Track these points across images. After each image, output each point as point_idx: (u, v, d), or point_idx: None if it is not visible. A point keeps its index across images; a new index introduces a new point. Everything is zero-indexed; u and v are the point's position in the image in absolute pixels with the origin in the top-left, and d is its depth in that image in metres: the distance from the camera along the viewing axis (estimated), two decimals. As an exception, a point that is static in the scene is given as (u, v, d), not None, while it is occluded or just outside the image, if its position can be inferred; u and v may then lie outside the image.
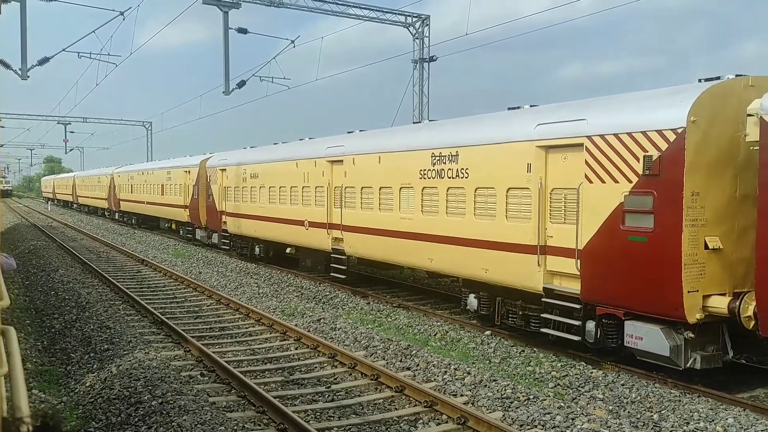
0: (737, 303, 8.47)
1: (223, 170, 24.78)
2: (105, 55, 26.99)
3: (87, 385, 9.19)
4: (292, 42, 25.57)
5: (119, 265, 22.39)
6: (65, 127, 62.63)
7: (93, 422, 7.75)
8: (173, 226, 33.22)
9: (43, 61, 23.44)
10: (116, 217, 45.41)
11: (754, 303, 8.29)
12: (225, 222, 24.62)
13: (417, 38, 29.62)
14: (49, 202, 79.29)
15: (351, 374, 9.74)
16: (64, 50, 25.14)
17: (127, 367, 9.48)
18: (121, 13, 22.83)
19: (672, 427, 7.64)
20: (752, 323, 8.39)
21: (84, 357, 10.77)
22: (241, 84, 25.37)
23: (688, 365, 8.78)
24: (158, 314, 13.40)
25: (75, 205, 63.97)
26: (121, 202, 43.04)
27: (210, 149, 30.78)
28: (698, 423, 7.67)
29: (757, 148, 8.10)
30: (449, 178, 12.64)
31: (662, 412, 8.09)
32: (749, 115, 8.22)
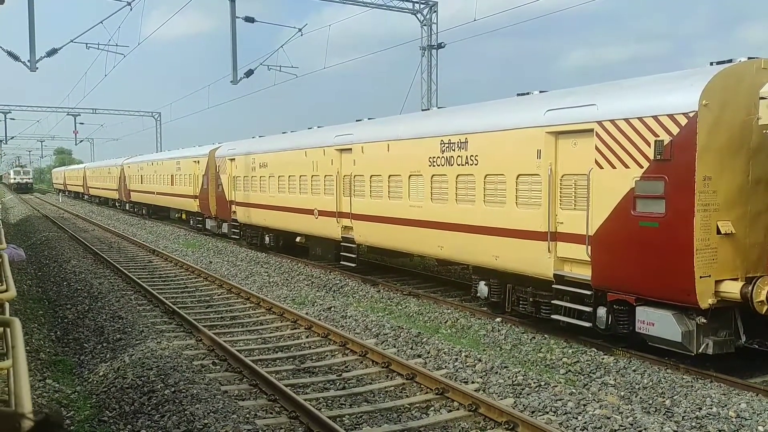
0: (750, 288, 8.40)
1: (232, 160, 24.81)
2: (113, 45, 26.98)
3: (100, 374, 9.27)
4: (300, 30, 25.46)
5: (130, 255, 22.52)
6: (75, 118, 62.84)
7: (107, 411, 7.82)
8: (183, 217, 33.35)
9: (52, 52, 23.44)
10: (127, 208, 45.65)
11: (766, 288, 8.23)
12: (235, 212, 24.68)
13: (425, 25, 29.44)
14: (60, 194, 79.77)
15: (362, 362, 9.77)
16: (72, 41, 25.14)
17: (139, 356, 9.55)
18: (128, 3, 22.77)
19: (684, 412, 7.61)
20: (765, 308, 8.34)
21: (97, 347, 10.86)
22: (249, 73, 25.32)
23: (700, 351, 8.73)
24: (170, 304, 13.48)
25: (86, 197, 64.33)
26: (131, 192, 43.24)
27: (219, 139, 30.80)
28: (711, 408, 7.65)
29: (770, 131, 8.00)
30: (458, 165, 12.59)
31: (674, 397, 8.06)
32: (762, 98, 8.12)
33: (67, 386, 8.97)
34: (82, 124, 66.29)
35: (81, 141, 76.97)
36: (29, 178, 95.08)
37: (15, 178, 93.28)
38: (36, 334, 11.47)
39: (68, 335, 11.93)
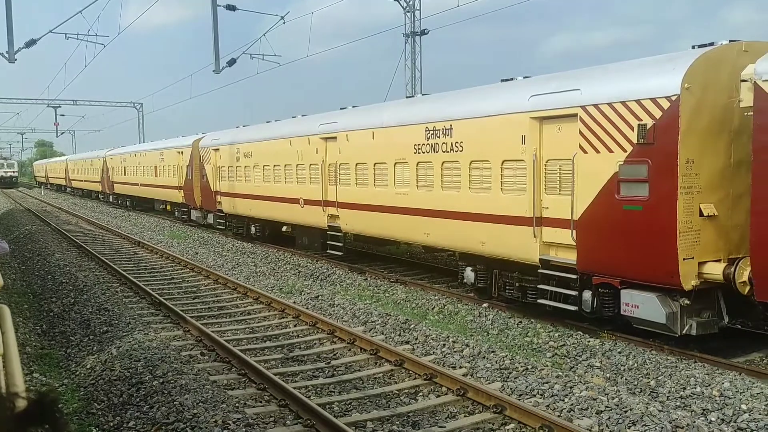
0: (732, 269, 8.52)
1: (216, 150, 24.65)
2: (93, 35, 26.66)
3: (87, 367, 9.23)
4: (282, 18, 25.26)
5: (115, 247, 22.37)
6: (55, 110, 62.08)
7: (95, 403, 7.79)
8: (168, 208, 33.13)
9: (30, 43, 23.12)
10: (110, 200, 45.26)
11: (749, 268, 8.35)
12: (220, 202, 24.56)
13: (408, 11, 29.32)
14: (42, 187, 78.90)
15: (350, 349, 9.80)
16: (51, 32, 24.82)
17: (127, 348, 9.52)
18: (108, -7, 22.48)
19: (669, 392, 7.73)
20: (747, 288, 8.46)
21: (83, 339, 10.80)
22: (232, 62, 25.09)
23: (684, 332, 8.86)
24: (156, 295, 13.42)
25: (68, 189, 63.70)
26: (114, 184, 42.87)
27: (203, 129, 30.61)
28: (695, 388, 7.76)
29: (752, 113, 8.09)
30: (444, 152, 12.60)
31: (659, 378, 8.18)
32: (743, 80, 8.19)
33: (55, 379, 8.92)
34: (63, 116, 65.56)
35: (62, 133, 76.13)
36: (14, 171, 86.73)
37: None
38: (22, 328, 11.38)
39: (54, 328, 11.85)
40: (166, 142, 32.87)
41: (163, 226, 29.72)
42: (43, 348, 10.62)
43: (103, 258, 18.86)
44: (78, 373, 9.18)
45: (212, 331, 10.53)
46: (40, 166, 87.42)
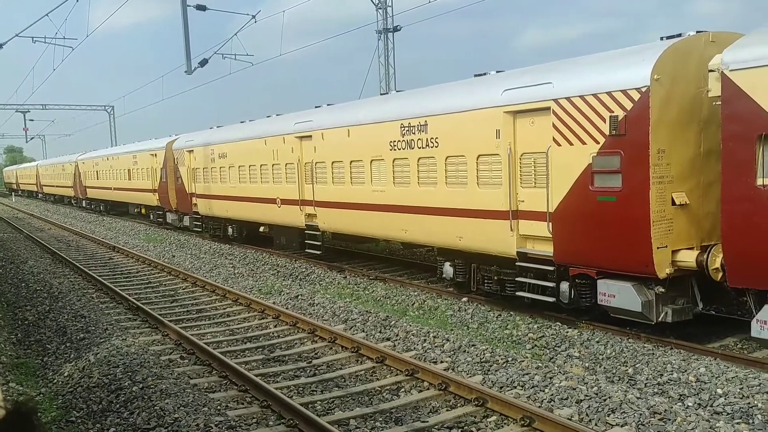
0: (705, 256, 8.68)
1: (190, 151, 24.43)
2: (60, 38, 26.26)
3: (65, 375, 9.10)
4: (254, 17, 25.07)
5: (90, 253, 22.06)
6: (24, 115, 61.02)
7: (74, 411, 7.69)
8: (143, 211, 32.76)
9: (-4, 47, 22.71)
10: (83, 205, 44.62)
11: (721, 255, 8.50)
12: (196, 204, 24.35)
13: (380, 8, 29.31)
14: (12, 193, 77.47)
15: (331, 348, 9.80)
16: (17, 35, 24.41)
17: (105, 354, 9.40)
18: (75, -5, 22.13)
19: (647, 379, 7.85)
20: (720, 275, 8.61)
21: (60, 347, 10.65)
22: (204, 62, 24.83)
23: (659, 319, 9.00)
24: (133, 300, 13.27)
25: (40, 195, 62.65)
26: (87, 189, 42.26)
27: (176, 131, 30.29)
28: (671, 374, 7.89)
29: (720, 103, 8.23)
30: (419, 148, 12.63)
31: (637, 365, 8.30)
32: (711, 70, 8.32)
33: (32, 388, 8.78)
34: (33, 120, 64.61)
35: (32, 138, 74.81)
36: None
37: None
38: (-5, 338, 11.18)
39: (29, 337, 11.65)
40: (139, 145, 32.49)
41: (139, 229, 29.38)
42: (19, 357, 10.44)
43: (77, 264, 18.59)
44: (55, 381, 9.05)
45: (191, 335, 10.45)
46: (10, 173, 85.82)
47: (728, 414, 6.76)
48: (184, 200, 25.37)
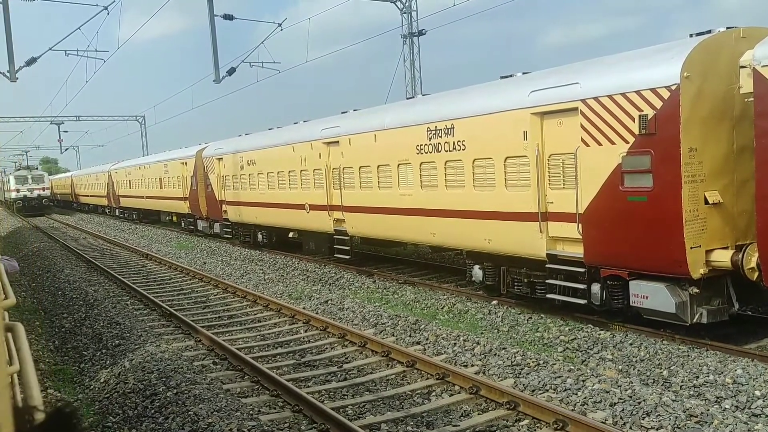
0: (740, 255, 8.51)
1: (219, 159, 24.73)
2: (92, 51, 26.85)
3: (101, 381, 9.28)
4: (279, 25, 25.34)
5: (123, 260, 22.46)
6: (59, 126, 62.34)
7: (110, 417, 7.84)
8: (174, 219, 33.25)
9: (31, 61, 23.30)
10: (117, 214, 45.45)
11: (756, 254, 8.33)
12: (225, 211, 24.63)
13: (405, 12, 29.35)
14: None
15: (362, 352, 9.82)
16: (51, 49, 24.99)
17: (139, 360, 9.57)
18: (105, 8, 22.63)
19: (682, 382, 7.72)
20: (756, 275, 8.43)
21: (96, 354, 10.86)
22: (231, 71, 25.19)
23: (694, 320, 8.84)
24: (166, 307, 13.48)
25: (75, 204, 63.92)
26: (120, 198, 43.05)
27: (206, 139, 30.75)
28: (708, 376, 7.75)
29: (752, 99, 8.07)
30: (446, 151, 12.62)
31: (671, 368, 8.17)
32: (742, 66, 8.18)
33: (69, 394, 8.98)
34: (67, 132, 65.81)
35: (66, 149, 76.39)
36: (43, 188, 55.73)
37: (19, 191, 54.62)
38: (34, 345, 11.45)
39: (66, 344, 11.92)
40: (170, 154, 33.01)
41: (170, 237, 29.82)
42: (57, 364, 10.68)
43: (112, 272, 18.95)
44: (92, 387, 9.24)
45: (223, 340, 10.57)
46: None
47: (767, 416, 6.61)
48: (214, 207, 25.68)
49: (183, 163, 29.31)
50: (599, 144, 9.49)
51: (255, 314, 13.07)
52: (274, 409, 7.78)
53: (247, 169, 22.24)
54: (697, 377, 7.78)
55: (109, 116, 65.62)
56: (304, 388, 8.18)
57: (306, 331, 11.33)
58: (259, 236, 22.52)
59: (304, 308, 12.66)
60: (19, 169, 55.78)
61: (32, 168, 57.39)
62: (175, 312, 12.91)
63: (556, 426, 6.54)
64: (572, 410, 6.92)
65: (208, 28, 23.30)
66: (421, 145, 13.28)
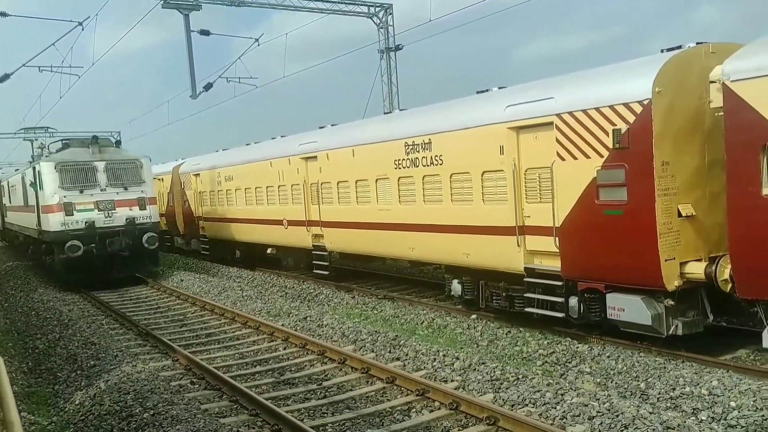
0: (713, 267, 8.63)
1: (197, 175, 24.57)
2: (66, 67, 26.45)
3: (76, 403, 9.10)
4: (257, 41, 25.31)
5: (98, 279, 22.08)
6: (32, 143, 61.47)
7: (85, 440, 7.68)
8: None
9: (4, 78, 23.03)
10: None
11: (729, 266, 8.45)
12: (203, 227, 24.44)
13: (381, 27, 29.54)
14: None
15: (341, 369, 9.77)
16: (24, 65, 24.67)
17: (115, 381, 9.40)
18: (80, 23, 22.42)
19: (659, 394, 7.78)
20: (729, 286, 8.56)
21: (71, 375, 10.65)
22: (208, 87, 25.06)
23: (670, 332, 8.94)
24: (142, 326, 13.29)
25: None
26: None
27: (183, 155, 30.51)
28: (684, 388, 7.82)
29: (722, 113, 8.23)
30: (424, 166, 12.67)
31: (649, 380, 8.24)
32: (712, 81, 8.34)
33: (43, 417, 8.79)
34: (40, 148, 64.90)
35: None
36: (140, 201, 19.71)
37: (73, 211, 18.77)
38: (7, 366, 11.18)
39: (40, 365, 11.67)
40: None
41: (147, 254, 29.44)
42: (30, 386, 10.46)
43: (86, 290, 18.65)
44: (67, 409, 9.05)
45: (201, 359, 10.45)
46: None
47: (742, 427, 6.68)
48: (191, 224, 25.47)
49: (159, 179, 29.02)
50: (575, 158, 9.60)
51: (233, 332, 12.94)
52: (253, 428, 7.69)
53: (225, 185, 22.12)
54: (674, 389, 7.85)
55: (83, 132, 64.87)
56: (283, 407, 8.10)
57: (285, 349, 11.24)
58: (237, 252, 22.37)
59: (282, 325, 12.56)
60: (61, 149, 21.30)
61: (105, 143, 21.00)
62: (151, 331, 12.73)
63: (536, 441, 6.55)
64: (552, 424, 6.93)
65: (185, 44, 23.21)
66: (399, 159, 13.32)
